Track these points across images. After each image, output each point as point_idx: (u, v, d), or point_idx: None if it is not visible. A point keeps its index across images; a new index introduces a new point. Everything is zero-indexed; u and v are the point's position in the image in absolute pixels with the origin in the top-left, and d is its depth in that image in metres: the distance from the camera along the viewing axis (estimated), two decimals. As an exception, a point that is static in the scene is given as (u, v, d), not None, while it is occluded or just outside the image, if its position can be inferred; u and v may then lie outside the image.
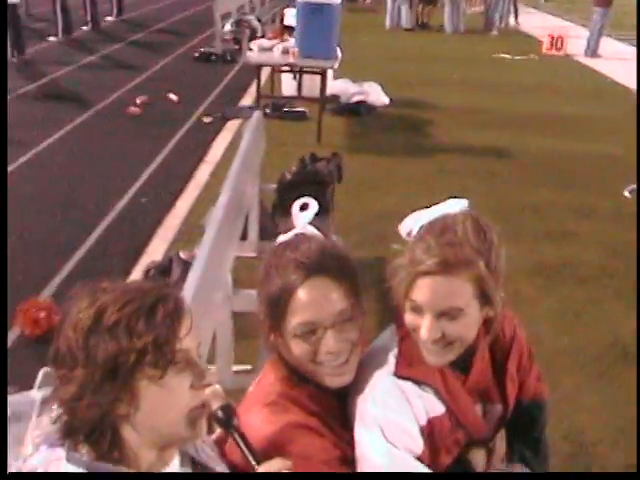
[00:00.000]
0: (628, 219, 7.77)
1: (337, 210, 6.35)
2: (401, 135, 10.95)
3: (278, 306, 1.82)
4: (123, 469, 1.48)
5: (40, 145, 9.39)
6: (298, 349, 1.83)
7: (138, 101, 11.66)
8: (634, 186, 8.51)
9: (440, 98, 13.23)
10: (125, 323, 1.42)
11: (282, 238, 1.96)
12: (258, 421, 1.81)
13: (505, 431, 2.17)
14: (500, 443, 2.10)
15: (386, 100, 12.64)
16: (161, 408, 1.48)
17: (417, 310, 1.85)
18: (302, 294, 1.80)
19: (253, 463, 1.56)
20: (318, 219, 5.58)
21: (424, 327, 1.83)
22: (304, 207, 2.03)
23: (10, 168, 8.31)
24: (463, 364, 1.99)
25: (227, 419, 1.61)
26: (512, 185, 8.90)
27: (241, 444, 1.60)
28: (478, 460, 2.01)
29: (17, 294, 5.30)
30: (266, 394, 1.89)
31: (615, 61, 17.90)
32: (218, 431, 1.85)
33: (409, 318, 1.88)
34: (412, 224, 1.94)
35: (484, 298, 1.87)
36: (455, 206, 1.94)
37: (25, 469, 1.56)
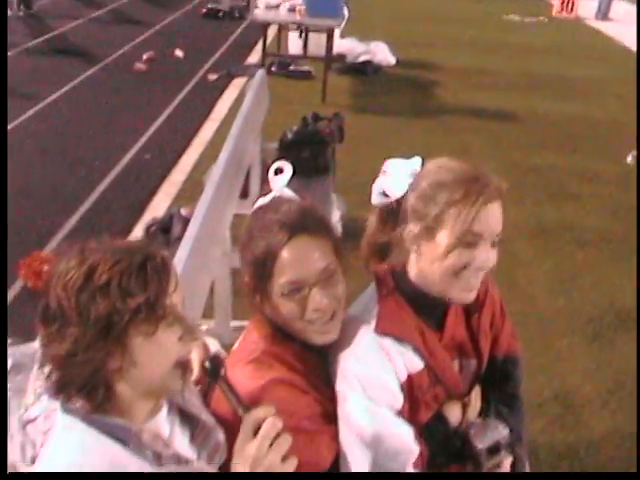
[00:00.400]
0: (631, 184, 7.79)
1: (339, 169, 6.38)
2: (407, 96, 10.92)
3: (264, 267, 1.86)
4: (117, 420, 1.54)
5: (46, 99, 9.41)
6: (285, 308, 1.87)
7: (144, 57, 11.64)
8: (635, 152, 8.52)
9: (448, 59, 13.18)
10: (117, 282, 1.46)
11: (260, 202, 2.00)
12: (242, 377, 1.84)
13: (481, 387, 2.18)
14: (475, 398, 2.13)
15: (393, 60, 12.59)
16: (152, 361, 1.53)
17: (471, 243, 1.87)
18: (287, 254, 1.84)
19: (240, 412, 1.60)
20: (319, 178, 5.65)
21: (483, 255, 1.87)
22: (279, 171, 2.07)
23: (15, 122, 8.35)
24: (437, 321, 2.04)
25: (215, 369, 1.66)
26: (516, 147, 8.91)
27: (228, 394, 1.64)
28: (453, 415, 2.06)
29: (21, 248, 5.36)
30: (250, 351, 1.93)
31: (626, 24, 17.67)
32: (195, 372, 1.91)
33: (460, 256, 1.88)
34: (389, 187, 1.98)
35: None
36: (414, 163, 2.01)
37: (27, 418, 1.63)
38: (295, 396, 1.87)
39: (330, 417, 1.92)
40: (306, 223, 1.87)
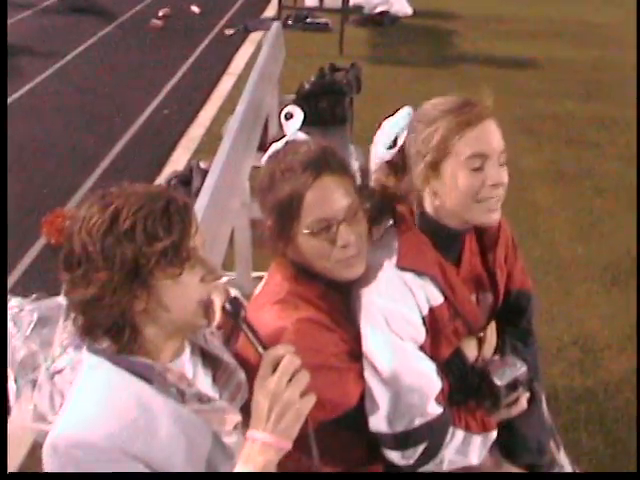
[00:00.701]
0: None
1: (357, 120, 6.38)
2: (424, 46, 10.86)
3: (290, 209, 1.88)
4: (142, 359, 1.59)
5: (64, 58, 9.44)
6: (313, 247, 1.90)
7: (160, 14, 11.62)
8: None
9: (465, 8, 13.06)
10: (142, 226, 1.49)
11: (274, 147, 2.02)
12: (269, 318, 1.90)
13: (496, 323, 2.23)
14: (491, 333, 2.18)
15: (410, 10, 12.49)
16: (177, 302, 1.57)
17: (480, 165, 1.90)
18: (313, 194, 1.87)
19: (260, 350, 1.64)
20: (336, 128, 5.65)
21: (494, 174, 1.90)
22: (289, 116, 2.09)
23: (34, 81, 8.39)
24: (454, 254, 2.07)
25: (235, 311, 1.70)
26: (535, 95, 8.86)
27: (249, 334, 1.68)
28: (470, 350, 2.11)
29: (43, 206, 5.42)
30: (275, 293, 1.96)
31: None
32: (217, 316, 1.96)
33: (471, 181, 1.92)
34: (387, 139, 2.01)
35: None
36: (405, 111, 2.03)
37: (54, 369, 1.67)
38: (322, 334, 1.91)
39: (356, 355, 1.96)
40: (328, 162, 1.90)
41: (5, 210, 5.15)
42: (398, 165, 2.04)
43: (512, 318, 2.26)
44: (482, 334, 2.15)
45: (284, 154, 1.96)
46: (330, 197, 1.88)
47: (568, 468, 2.30)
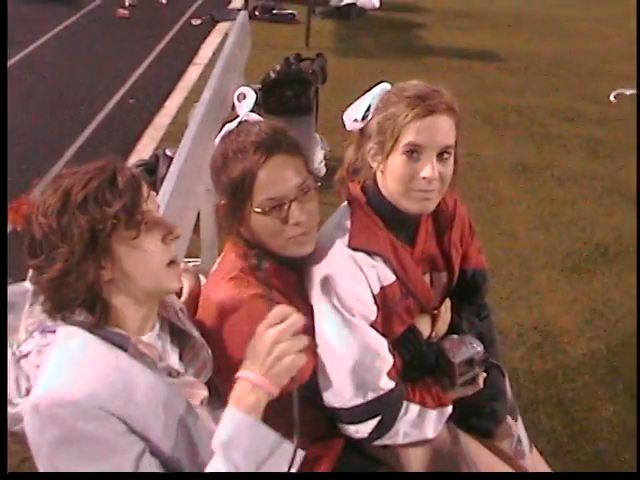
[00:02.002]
0: (612, 123, 7.87)
1: (324, 111, 6.41)
2: (390, 38, 10.91)
3: (242, 188, 1.91)
4: (116, 329, 1.63)
5: (29, 47, 9.38)
6: (265, 225, 1.94)
7: (127, 3, 11.57)
8: (620, 90, 8.57)
9: (431, 2, 13.17)
10: (93, 197, 1.53)
11: (228, 127, 2.05)
12: (222, 294, 1.93)
13: (452, 301, 2.28)
14: (445, 310, 2.24)
15: (377, 3, 12.56)
16: (140, 267, 1.61)
17: (416, 155, 1.96)
18: (265, 173, 1.91)
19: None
20: (301, 117, 5.68)
21: (426, 167, 1.95)
22: (242, 97, 2.12)
23: (-1, 69, 8.34)
24: (408, 235, 2.12)
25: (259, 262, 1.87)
26: (499, 88, 8.97)
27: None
28: (424, 327, 2.16)
29: (9, 194, 5.40)
30: (229, 270, 1.99)
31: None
32: (184, 297, 2.01)
33: (404, 168, 1.97)
34: (357, 111, 2.06)
35: (456, 144, 2.02)
36: (380, 87, 2.09)
37: (20, 353, 1.70)
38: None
39: (308, 332, 1.99)
40: (280, 142, 1.94)
41: (5, 209, 5.13)
42: (362, 138, 2.09)
43: (468, 296, 2.32)
44: (436, 311, 2.20)
45: (236, 135, 1.99)
46: (281, 176, 1.93)
47: (524, 439, 2.35)
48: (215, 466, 1.56)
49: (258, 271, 1.97)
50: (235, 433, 1.57)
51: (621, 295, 4.76)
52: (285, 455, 1.58)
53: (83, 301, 1.59)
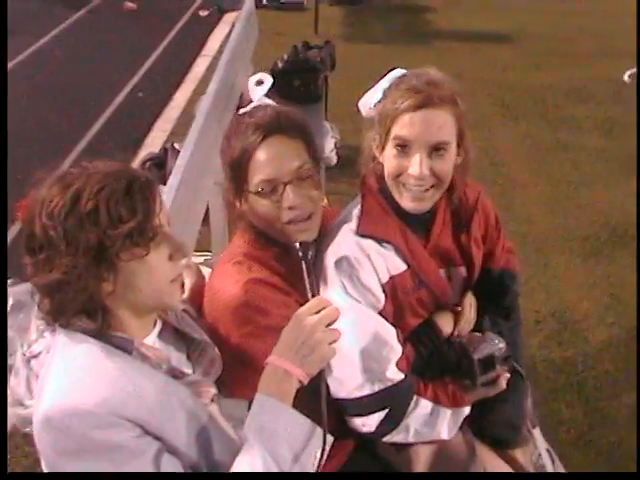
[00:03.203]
0: (626, 103, 7.76)
1: (333, 98, 6.35)
2: (399, 23, 10.84)
3: (240, 168, 1.91)
4: (119, 333, 1.57)
5: (37, 43, 9.34)
6: (262, 207, 1.92)
7: (134, -5, 11.54)
8: (634, 70, 8.46)
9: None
10: (105, 208, 1.45)
11: (242, 110, 2.04)
12: (224, 278, 1.93)
13: (477, 300, 2.20)
14: (469, 309, 2.16)
15: (385, -12, 12.45)
16: (145, 283, 1.55)
17: (404, 149, 1.90)
18: (261, 153, 1.90)
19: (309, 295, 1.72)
20: (311, 106, 5.63)
21: (414, 164, 1.88)
22: (259, 82, 2.10)
23: (9, 66, 8.29)
24: (424, 227, 2.05)
25: (305, 253, 1.78)
26: (511, 69, 8.89)
27: (311, 276, 1.75)
28: (445, 323, 2.09)
29: (18, 192, 5.35)
30: (234, 254, 2.00)
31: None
32: (187, 294, 1.96)
33: (394, 162, 1.92)
34: (371, 98, 1.99)
35: (460, 138, 1.94)
36: (403, 72, 2.02)
37: (30, 353, 1.65)
38: (274, 296, 1.92)
39: None
40: (280, 124, 1.92)
41: (5, 210, 5.11)
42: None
43: (495, 297, 2.23)
44: (459, 308, 2.13)
45: (243, 116, 1.99)
46: (277, 158, 1.90)
47: (543, 449, 2.29)
48: (249, 455, 1.53)
49: (262, 256, 1.97)
50: (270, 420, 1.56)
51: (640, 279, 4.68)
52: (318, 442, 1.57)
53: (82, 310, 1.53)
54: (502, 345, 2.03)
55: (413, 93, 1.87)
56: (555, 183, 6.06)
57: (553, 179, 6.13)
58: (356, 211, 2.02)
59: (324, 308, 1.68)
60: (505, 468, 2.11)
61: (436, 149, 1.89)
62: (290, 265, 1.97)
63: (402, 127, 1.89)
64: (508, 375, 2.07)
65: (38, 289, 1.53)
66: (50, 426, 1.44)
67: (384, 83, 1.99)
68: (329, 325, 1.67)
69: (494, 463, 2.10)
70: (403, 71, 2.01)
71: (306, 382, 1.61)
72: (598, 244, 5.14)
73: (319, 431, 1.58)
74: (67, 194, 1.47)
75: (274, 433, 1.54)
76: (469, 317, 2.15)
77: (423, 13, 11.49)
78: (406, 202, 1.96)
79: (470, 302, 2.17)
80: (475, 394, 2.04)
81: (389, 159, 1.94)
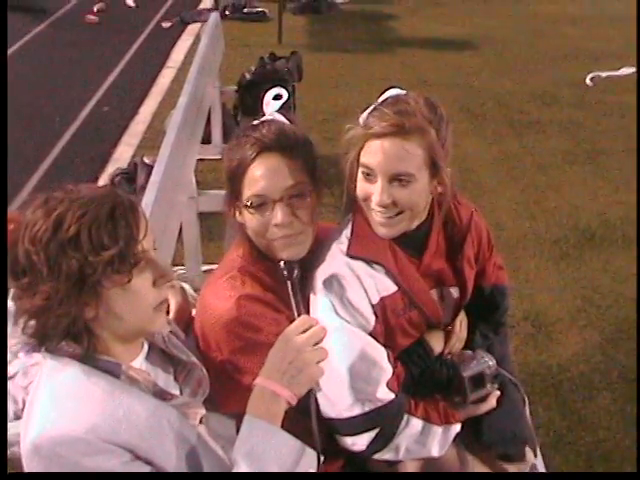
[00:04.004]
0: (590, 106, 7.87)
1: (300, 108, 6.38)
2: (363, 31, 10.89)
3: (235, 180, 1.93)
4: (106, 357, 1.56)
5: (-4, 59, 9.25)
6: (253, 222, 1.94)
7: (95, 8, 11.47)
8: (597, 73, 8.57)
9: (401, -8, 13.10)
10: (87, 234, 1.44)
11: (253, 122, 2.03)
12: (217, 292, 1.94)
13: (468, 317, 2.21)
14: (461, 327, 2.17)
15: (347, -4, 12.52)
16: (128, 309, 1.54)
17: (369, 176, 1.90)
18: (255, 168, 1.90)
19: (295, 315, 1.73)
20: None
21: (376, 192, 1.89)
22: (278, 97, 2.10)
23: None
24: (416, 249, 2.04)
25: (289, 273, 1.81)
26: (474, 75, 8.95)
27: (297, 297, 1.77)
28: (436, 342, 2.09)
29: (7, 193, 5.31)
30: (227, 269, 2.00)
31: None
32: (172, 315, 1.95)
33: (361, 187, 1.93)
34: (362, 117, 1.99)
35: (434, 168, 1.92)
36: (396, 92, 2.00)
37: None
38: (265, 312, 1.92)
39: None
40: (279, 141, 1.91)
41: (5, 211, 5.04)
42: None
43: (486, 313, 2.24)
44: (450, 327, 2.13)
45: (248, 130, 1.98)
46: (269, 174, 1.90)
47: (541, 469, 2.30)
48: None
49: (255, 271, 1.98)
50: (259, 443, 1.56)
51: (610, 281, 4.75)
52: (308, 462, 1.58)
53: (67, 332, 1.52)
54: (492, 363, 2.04)
55: (381, 120, 1.86)
56: (523, 187, 6.11)
57: (520, 184, 6.18)
58: (347, 231, 2.01)
59: (311, 327, 1.67)
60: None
61: (398, 179, 1.88)
62: (281, 280, 1.98)
63: (366, 154, 1.89)
64: (499, 393, 2.08)
65: (22, 313, 1.51)
66: (39, 454, 1.43)
67: (376, 102, 1.98)
68: (316, 344, 1.67)
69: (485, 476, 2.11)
70: (397, 91, 2.00)
71: (294, 403, 1.61)
72: (568, 247, 5.19)
73: (309, 451, 1.59)
74: (50, 219, 1.45)
75: (263, 454, 1.55)
76: (460, 335, 2.16)
77: (386, 21, 11.55)
78: (376, 227, 1.96)
79: (461, 320, 2.18)
80: (466, 412, 2.04)
81: (359, 182, 1.94)
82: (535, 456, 2.27)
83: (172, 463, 1.54)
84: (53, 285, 1.44)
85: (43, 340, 1.54)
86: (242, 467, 1.54)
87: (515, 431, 2.17)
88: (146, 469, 1.48)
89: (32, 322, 1.51)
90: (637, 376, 3.78)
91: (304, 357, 1.62)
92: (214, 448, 1.66)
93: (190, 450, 1.58)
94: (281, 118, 2.05)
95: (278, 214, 1.90)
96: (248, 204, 1.91)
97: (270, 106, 2.08)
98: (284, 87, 2.19)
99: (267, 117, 2.04)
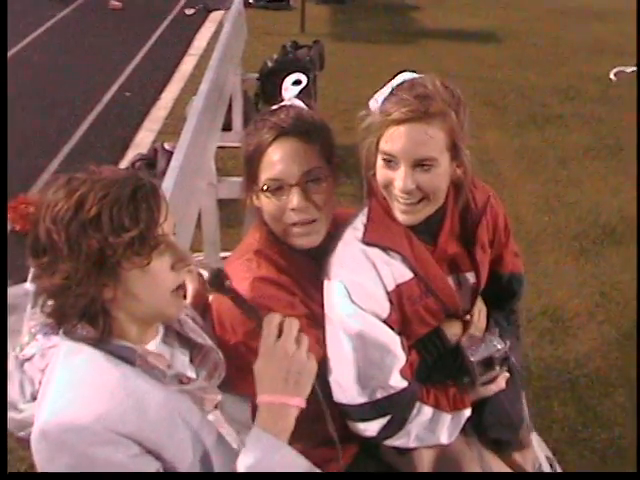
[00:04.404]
0: (613, 101, 7.81)
1: (322, 97, 6.35)
2: (386, 22, 10.84)
3: (252, 164, 1.94)
4: (122, 342, 1.56)
5: (21, 43, 9.29)
6: (269, 206, 1.94)
7: (119, -6, 11.51)
8: (621, 69, 8.51)
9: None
10: (108, 215, 1.45)
11: (272, 108, 2.04)
12: (232, 275, 1.88)
13: (485, 305, 2.20)
14: (479, 316, 2.15)
15: (371, -14, 12.46)
16: (147, 291, 1.54)
17: (391, 162, 1.89)
18: (272, 152, 1.90)
19: (249, 315, 1.70)
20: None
21: (399, 177, 1.87)
22: (297, 82, 2.10)
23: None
24: (431, 234, 2.03)
25: (220, 282, 1.72)
26: (498, 68, 8.90)
27: (238, 303, 1.72)
28: (452, 331, 2.08)
29: (7, 192, 5.35)
30: (244, 252, 2.00)
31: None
32: (189, 300, 1.96)
33: (382, 174, 1.92)
34: (376, 101, 1.97)
35: (454, 151, 1.91)
36: (409, 76, 1.99)
37: (23, 357, 1.64)
38: (279, 295, 1.92)
39: (317, 321, 1.96)
40: (297, 126, 1.91)
41: (5, 209, 5.08)
42: None
43: (502, 301, 2.24)
44: (468, 317, 2.12)
45: (267, 114, 1.98)
46: (286, 159, 1.90)
47: (543, 456, 2.30)
48: None
49: (271, 254, 1.98)
50: (264, 457, 1.55)
51: (630, 277, 4.70)
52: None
53: (84, 313, 1.52)
54: (500, 347, 2.03)
55: (401, 106, 1.84)
56: (543, 182, 6.08)
57: (541, 177, 6.15)
58: (363, 218, 2.01)
59: (279, 324, 1.64)
60: (504, 468, 2.12)
61: (421, 164, 1.87)
62: (301, 265, 2.00)
63: (387, 140, 1.87)
64: (508, 375, 2.08)
65: (41, 292, 1.52)
66: (47, 440, 1.44)
67: (389, 86, 1.96)
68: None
69: (495, 466, 2.10)
70: (411, 75, 1.98)
71: (304, 406, 1.61)
72: (587, 242, 5.16)
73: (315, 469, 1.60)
74: (72, 199, 1.46)
75: (268, 469, 1.55)
76: (479, 325, 2.15)
77: (409, 12, 11.50)
78: (397, 214, 1.95)
79: (480, 309, 2.17)
80: (475, 394, 2.05)
81: (379, 169, 1.93)
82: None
83: (181, 455, 1.54)
84: (73, 265, 1.45)
85: (61, 320, 1.54)
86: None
87: (512, 416, 2.17)
88: (152, 466, 1.49)
89: (50, 301, 1.52)
90: (637, 376, 3.75)
91: (297, 358, 1.60)
92: (227, 439, 1.66)
93: (200, 442, 1.59)
94: (299, 103, 2.04)
95: (294, 198, 1.89)
96: (264, 188, 1.91)
97: (289, 91, 2.08)
98: (305, 74, 2.18)
99: (286, 102, 2.04)
